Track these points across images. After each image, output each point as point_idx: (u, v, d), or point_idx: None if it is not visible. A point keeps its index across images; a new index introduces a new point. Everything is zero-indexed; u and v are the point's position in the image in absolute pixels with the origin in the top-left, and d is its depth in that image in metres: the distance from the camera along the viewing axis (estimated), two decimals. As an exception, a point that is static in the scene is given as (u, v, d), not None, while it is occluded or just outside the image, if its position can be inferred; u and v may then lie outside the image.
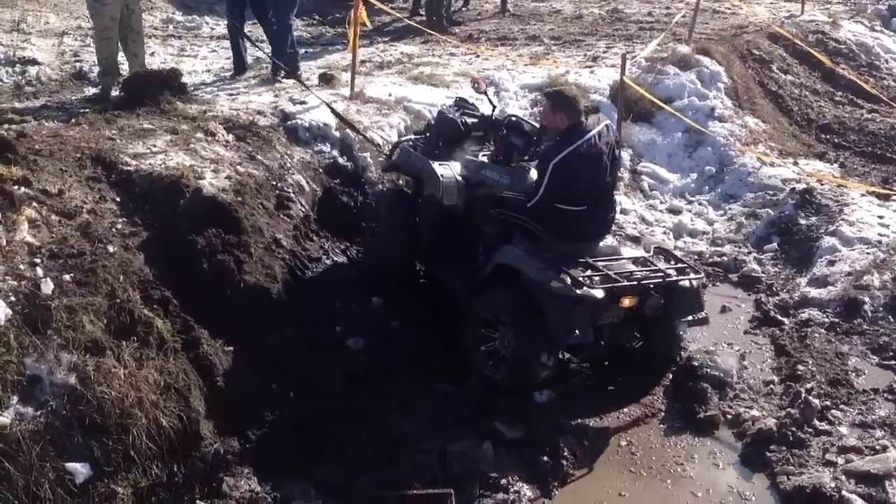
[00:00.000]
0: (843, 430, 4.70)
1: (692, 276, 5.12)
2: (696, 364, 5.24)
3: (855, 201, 7.54)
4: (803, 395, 4.88)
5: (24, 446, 3.42)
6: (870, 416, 4.83)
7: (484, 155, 5.75)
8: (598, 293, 4.70)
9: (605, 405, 5.06)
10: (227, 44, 8.80)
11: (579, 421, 4.86)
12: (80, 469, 3.57)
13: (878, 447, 4.51)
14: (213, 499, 4.00)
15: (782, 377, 5.33)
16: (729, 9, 13.68)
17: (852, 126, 10.16)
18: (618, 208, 6.04)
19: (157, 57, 8.84)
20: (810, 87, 11.06)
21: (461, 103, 6.25)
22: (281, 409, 4.64)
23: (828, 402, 4.93)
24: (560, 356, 5.14)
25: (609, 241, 5.33)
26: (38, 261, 4.05)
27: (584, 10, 13.63)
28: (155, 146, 5.66)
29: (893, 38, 13.30)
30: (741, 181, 8.38)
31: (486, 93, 6.28)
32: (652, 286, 4.90)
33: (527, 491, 4.28)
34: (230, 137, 6.18)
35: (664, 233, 7.58)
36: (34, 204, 4.41)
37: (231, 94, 7.43)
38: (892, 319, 5.83)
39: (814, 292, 6.29)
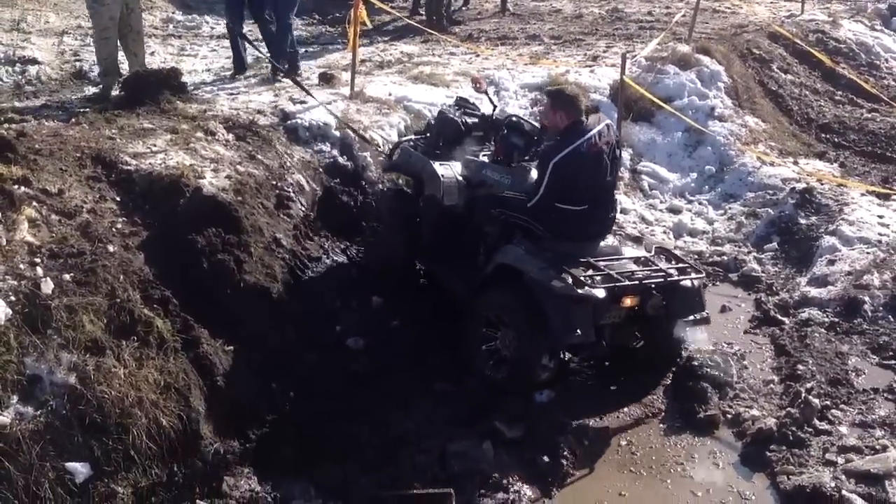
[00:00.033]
0: (843, 429, 4.70)
1: (693, 275, 5.12)
2: (696, 364, 5.23)
3: (855, 201, 7.54)
4: (803, 395, 4.87)
5: (24, 446, 3.42)
6: (870, 415, 4.83)
7: (484, 155, 5.75)
8: (600, 293, 4.69)
9: (606, 405, 5.05)
10: (226, 43, 8.80)
11: (580, 420, 4.85)
12: (80, 469, 3.57)
13: (878, 447, 4.50)
14: (213, 498, 4.00)
15: (782, 377, 5.33)
16: (729, 8, 13.69)
17: (852, 125, 10.17)
18: (618, 208, 6.03)
19: (157, 56, 8.84)
20: (810, 87, 11.06)
21: (462, 103, 6.25)
22: (281, 409, 4.65)
23: (828, 402, 4.92)
24: (561, 356, 5.14)
25: (610, 240, 5.33)
26: (38, 260, 4.05)
27: (585, 9, 13.63)
28: (155, 145, 5.66)
29: (893, 37, 13.31)
30: (741, 181, 8.38)
31: (486, 92, 6.28)
32: (653, 286, 4.90)
33: (527, 490, 4.28)
34: (230, 137, 6.18)
35: (664, 232, 7.59)
36: (34, 203, 4.41)
37: (231, 94, 7.43)
38: (892, 319, 5.83)
39: (814, 292, 6.29)
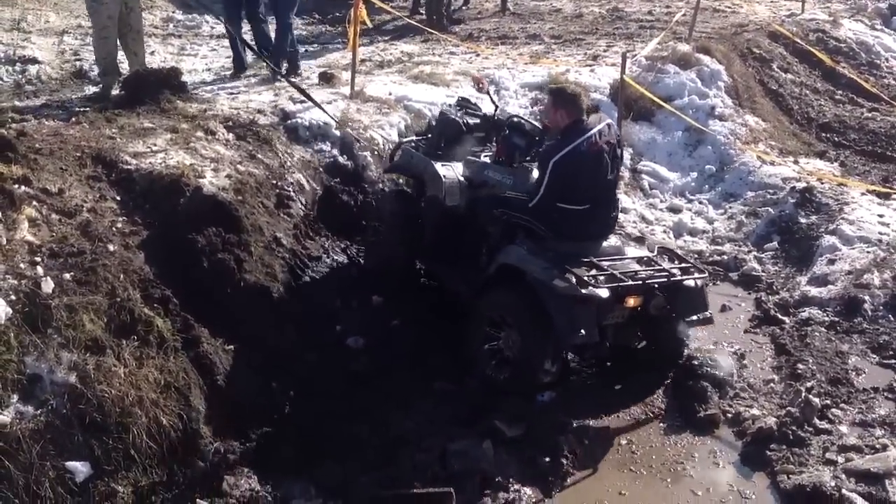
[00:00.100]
0: (844, 428, 4.70)
1: (697, 275, 5.11)
2: (696, 363, 5.24)
3: (855, 200, 7.54)
4: (803, 394, 4.87)
5: (24, 445, 3.42)
6: (870, 414, 4.83)
7: (486, 155, 5.75)
8: (603, 292, 4.68)
9: (606, 405, 5.05)
10: (227, 42, 8.80)
11: (580, 420, 4.85)
12: (80, 468, 3.57)
13: (878, 446, 4.50)
14: (214, 498, 4.00)
15: (782, 376, 5.33)
16: (729, 7, 13.69)
17: (852, 125, 10.17)
18: (620, 207, 6.03)
19: (157, 56, 8.84)
20: (810, 86, 11.07)
21: (463, 103, 6.24)
22: (281, 408, 4.65)
23: (828, 401, 4.92)
24: (564, 356, 5.13)
25: (613, 240, 5.31)
26: (38, 259, 4.05)
27: (585, 8, 13.64)
28: (155, 145, 5.66)
29: (894, 36, 13.31)
30: (741, 180, 8.38)
31: (488, 92, 6.28)
32: (657, 286, 4.89)
33: (527, 490, 4.28)
34: (230, 136, 6.18)
35: (664, 231, 7.59)
36: (34, 203, 4.41)
37: (231, 93, 7.43)
38: (892, 318, 5.83)
39: (814, 291, 6.29)
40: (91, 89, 7.33)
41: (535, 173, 5.18)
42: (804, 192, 7.69)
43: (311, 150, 6.63)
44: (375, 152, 6.90)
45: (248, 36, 8.35)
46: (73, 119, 6.06)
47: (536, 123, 5.78)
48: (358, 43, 7.84)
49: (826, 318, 5.93)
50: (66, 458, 3.56)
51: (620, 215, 7.16)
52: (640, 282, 4.81)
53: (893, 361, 5.42)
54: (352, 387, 4.90)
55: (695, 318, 5.12)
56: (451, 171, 5.63)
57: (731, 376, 5.24)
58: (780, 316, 6.08)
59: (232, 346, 4.68)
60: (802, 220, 7.39)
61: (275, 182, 5.98)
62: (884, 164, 9.11)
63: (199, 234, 5.00)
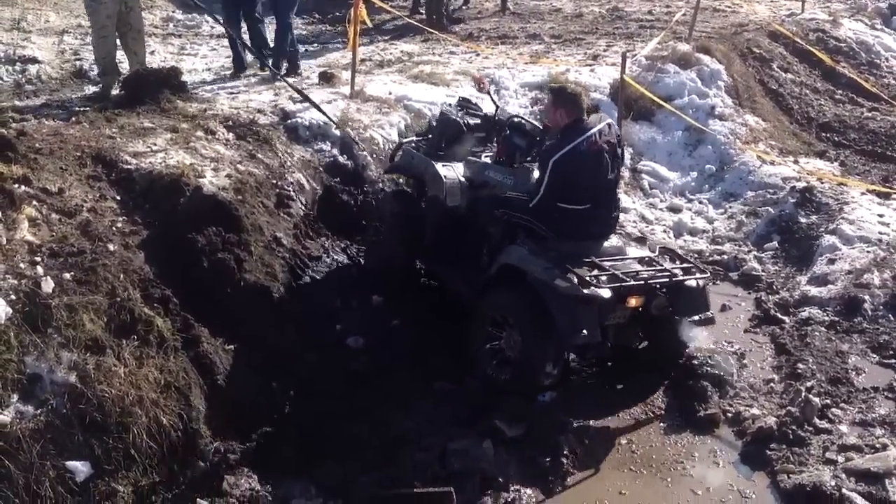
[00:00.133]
0: (844, 428, 4.70)
1: (698, 275, 5.11)
2: (697, 362, 5.24)
3: (855, 200, 7.54)
4: (803, 394, 4.87)
5: (24, 445, 3.42)
6: (870, 414, 4.83)
7: (487, 155, 5.75)
8: (605, 293, 4.67)
9: (606, 404, 5.05)
10: (226, 42, 8.80)
11: (580, 420, 4.85)
12: (80, 467, 3.57)
13: (878, 445, 4.50)
14: (214, 497, 4.00)
15: (782, 375, 5.33)
16: (729, 7, 13.69)
17: (852, 124, 10.17)
18: (621, 207, 6.03)
19: (157, 55, 8.84)
20: (810, 86, 11.07)
21: (464, 103, 6.24)
22: (281, 408, 4.65)
23: (828, 401, 4.92)
24: (565, 357, 5.13)
25: (614, 240, 5.30)
26: (38, 259, 4.05)
27: (585, 8, 13.64)
28: (155, 145, 5.66)
29: (894, 36, 13.32)
30: (741, 179, 8.38)
31: (489, 92, 6.27)
32: (658, 286, 4.89)
33: (527, 489, 4.28)
34: (230, 136, 6.18)
35: (664, 231, 7.59)
36: (34, 202, 4.41)
37: (231, 93, 7.43)
38: (892, 318, 5.83)
39: (814, 291, 6.29)
40: (91, 89, 7.33)
41: (536, 173, 5.19)
42: (804, 192, 7.69)
43: (311, 150, 6.63)
44: (374, 154, 6.90)
45: (247, 36, 8.35)
46: (73, 119, 6.06)
47: (537, 123, 5.77)
48: (358, 42, 7.84)
49: (826, 318, 5.93)
50: (67, 457, 3.56)
51: (621, 215, 7.18)
52: (642, 282, 4.80)
53: (893, 361, 5.42)
54: (352, 387, 4.90)
55: (696, 318, 5.12)
56: (452, 171, 5.62)
57: (731, 376, 5.24)
58: (780, 315, 6.08)
59: (232, 346, 4.68)
60: (802, 220, 7.39)
61: (275, 182, 5.98)
62: (884, 164, 9.11)
63: (199, 234, 5.00)
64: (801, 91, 10.76)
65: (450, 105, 6.33)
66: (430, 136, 6.13)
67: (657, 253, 5.33)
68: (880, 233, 6.85)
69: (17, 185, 4.42)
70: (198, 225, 5.04)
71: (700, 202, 8.24)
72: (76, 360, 3.75)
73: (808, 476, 4.28)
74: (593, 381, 5.33)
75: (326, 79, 8.03)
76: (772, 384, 5.26)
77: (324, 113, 6.82)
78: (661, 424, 4.92)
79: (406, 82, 8.31)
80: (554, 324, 4.66)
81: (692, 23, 11.01)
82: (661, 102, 8.74)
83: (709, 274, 5.46)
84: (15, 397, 3.52)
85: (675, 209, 8.09)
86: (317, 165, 6.56)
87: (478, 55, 9.95)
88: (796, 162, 8.61)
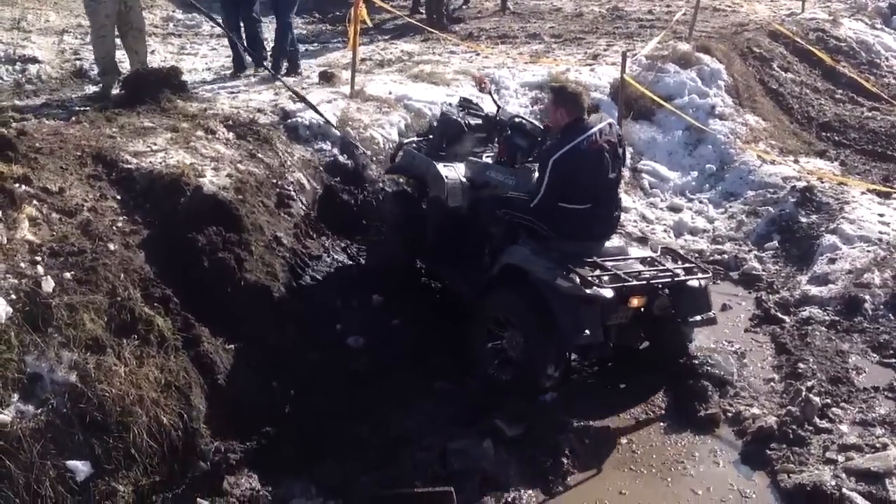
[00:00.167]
0: (844, 428, 4.69)
1: (700, 275, 5.11)
2: (697, 362, 5.23)
3: (855, 199, 7.54)
4: (804, 393, 4.87)
5: (24, 444, 3.42)
6: (870, 413, 4.82)
7: (488, 156, 5.75)
8: (608, 293, 4.65)
9: (607, 404, 5.04)
10: (227, 42, 8.79)
11: (581, 420, 4.84)
12: (80, 467, 3.57)
13: (878, 445, 4.50)
14: (214, 497, 4.00)
15: (783, 375, 5.33)
16: (729, 6, 13.70)
17: (853, 124, 10.18)
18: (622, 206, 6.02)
19: (158, 55, 8.84)
20: (811, 85, 11.07)
21: (465, 103, 6.24)
22: (281, 408, 4.64)
23: (828, 400, 4.92)
24: (567, 358, 5.12)
25: (616, 241, 5.30)
26: (38, 259, 4.05)
27: (585, 7, 13.65)
28: (155, 144, 5.66)
29: (894, 35, 13.32)
30: (742, 179, 8.38)
31: (489, 92, 6.27)
32: (661, 286, 4.89)
33: (527, 489, 4.28)
34: (230, 135, 6.18)
35: (664, 231, 7.59)
36: (35, 202, 4.41)
37: (231, 92, 7.43)
38: (892, 317, 5.83)
39: (814, 290, 6.29)
40: (91, 88, 7.33)
41: (537, 174, 5.18)
42: (804, 192, 7.69)
43: (311, 149, 6.63)
44: (374, 154, 6.90)
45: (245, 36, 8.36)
46: (74, 118, 6.06)
47: (538, 124, 5.77)
48: (358, 42, 7.84)
49: (826, 318, 5.93)
50: (67, 457, 3.56)
51: (621, 215, 7.18)
52: (644, 282, 4.80)
53: (894, 360, 5.42)
54: (352, 386, 4.90)
55: (698, 318, 5.11)
56: (454, 171, 5.62)
57: (731, 375, 5.24)
58: (780, 315, 6.08)
59: (232, 346, 4.68)
60: (803, 220, 7.39)
61: (275, 181, 5.98)
62: (884, 164, 9.11)
63: (200, 234, 4.99)
64: (801, 90, 10.76)
65: (451, 105, 6.33)
66: (430, 136, 6.13)
67: (659, 253, 5.32)
68: (881, 232, 6.85)
69: (17, 185, 4.41)
70: (198, 224, 5.03)
71: (700, 202, 8.24)
72: (76, 360, 3.75)
73: (809, 476, 4.28)
74: (594, 381, 5.33)
75: (326, 78, 8.03)
76: (772, 384, 5.26)
77: (321, 115, 6.81)
78: (662, 424, 4.92)
79: (406, 82, 8.31)
80: (556, 324, 4.66)
81: (692, 22, 11.01)
82: (662, 102, 8.74)
83: (710, 274, 5.45)
84: (15, 397, 3.52)
85: (675, 209, 8.09)
86: (317, 165, 6.55)
87: (478, 55, 9.95)
88: (796, 161, 8.61)
